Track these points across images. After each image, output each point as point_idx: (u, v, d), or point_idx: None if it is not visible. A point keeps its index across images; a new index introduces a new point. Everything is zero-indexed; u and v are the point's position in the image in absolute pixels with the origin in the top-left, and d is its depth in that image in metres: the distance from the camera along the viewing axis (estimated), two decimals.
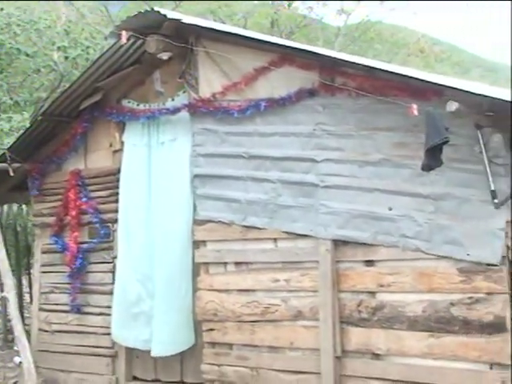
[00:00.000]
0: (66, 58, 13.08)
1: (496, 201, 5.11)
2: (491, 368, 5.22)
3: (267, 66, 6.30)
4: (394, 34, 24.68)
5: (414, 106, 5.03)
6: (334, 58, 5.88)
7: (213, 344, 6.71)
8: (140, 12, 6.53)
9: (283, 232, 6.27)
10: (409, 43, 24.12)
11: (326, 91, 6.00)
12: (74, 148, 7.96)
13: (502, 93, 5.83)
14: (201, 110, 6.75)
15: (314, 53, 5.89)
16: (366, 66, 5.66)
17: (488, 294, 5.21)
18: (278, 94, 6.27)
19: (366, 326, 5.79)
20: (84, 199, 7.81)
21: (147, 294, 7.13)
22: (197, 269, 6.85)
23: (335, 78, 5.96)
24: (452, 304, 5.36)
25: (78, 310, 7.82)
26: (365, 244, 5.80)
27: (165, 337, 6.91)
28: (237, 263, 6.60)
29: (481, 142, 5.15)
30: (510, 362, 5.11)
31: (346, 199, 5.89)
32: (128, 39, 6.61)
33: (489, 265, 5.20)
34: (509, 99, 4.88)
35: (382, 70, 5.54)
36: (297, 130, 6.20)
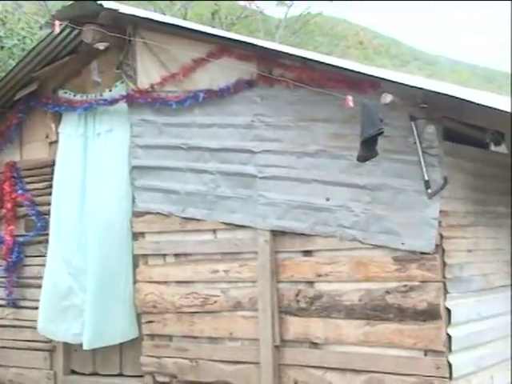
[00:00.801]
0: (2, 47, 12.84)
1: (429, 191, 5.20)
2: (426, 355, 5.33)
3: (206, 58, 6.29)
4: (333, 26, 24.91)
5: (350, 98, 5.07)
6: (271, 49, 5.92)
7: (152, 336, 6.69)
8: (76, 1, 6.45)
9: (222, 223, 6.28)
10: (348, 35, 24.38)
11: (264, 82, 6.01)
12: (9, 139, 7.82)
13: (435, 85, 5.95)
14: (139, 100, 6.70)
15: (252, 44, 5.92)
16: (302, 57, 5.70)
17: (422, 282, 5.30)
18: (217, 85, 6.26)
19: (304, 316, 5.84)
20: (20, 191, 7.69)
21: (79, 288, 7.01)
22: (136, 261, 6.81)
23: (273, 69, 5.98)
24: (387, 292, 5.44)
25: (14, 303, 7.71)
26: (303, 234, 5.85)
27: (99, 328, 6.81)
28: (176, 255, 6.59)
29: (415, 133, 5.24)
30: (443, 349, 5.23)
31: (284, 190, 5.93)
32: (64, 29, 6.52)
33: (423, 253, 5.30)
34: (441, 91, 4.98)
35: (319, 62, 5.58)
36: (235, 121, 6.21)
